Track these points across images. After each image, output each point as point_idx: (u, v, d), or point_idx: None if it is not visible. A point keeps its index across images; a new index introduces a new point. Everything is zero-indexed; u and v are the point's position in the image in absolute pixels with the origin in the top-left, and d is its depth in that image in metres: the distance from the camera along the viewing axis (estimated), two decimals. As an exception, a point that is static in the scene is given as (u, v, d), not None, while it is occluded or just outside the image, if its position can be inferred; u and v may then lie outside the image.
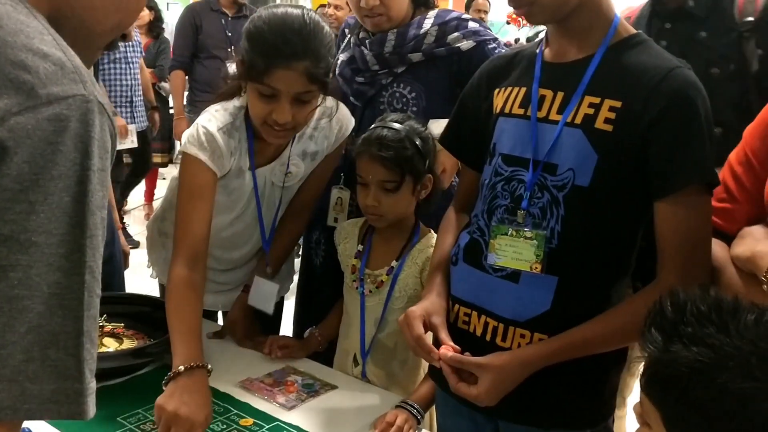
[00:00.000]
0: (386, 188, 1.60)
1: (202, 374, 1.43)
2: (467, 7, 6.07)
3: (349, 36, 1.99)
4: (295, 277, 2.11)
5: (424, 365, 1.61)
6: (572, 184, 1.22)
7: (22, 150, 0.59)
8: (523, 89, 1.31)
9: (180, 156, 1.69)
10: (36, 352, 0.59)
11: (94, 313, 0.64)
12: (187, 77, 4.60)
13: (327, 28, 1.55)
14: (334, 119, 1.75)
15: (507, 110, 1.32)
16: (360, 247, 1.72)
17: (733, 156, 1.24)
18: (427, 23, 1.83)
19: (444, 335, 1.29)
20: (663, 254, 1.20)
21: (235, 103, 1.67)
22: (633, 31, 1.28)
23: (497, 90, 1.37)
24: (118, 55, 4.78)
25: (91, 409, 0.64)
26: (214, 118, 1.64)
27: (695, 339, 0.81)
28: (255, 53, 1.51)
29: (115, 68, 4.80)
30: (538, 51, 1.33)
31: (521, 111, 1.30)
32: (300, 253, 2.23)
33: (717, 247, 1.20)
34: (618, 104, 1.19)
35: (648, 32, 1.79)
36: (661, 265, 1.20)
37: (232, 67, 1.75)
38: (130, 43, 4.82)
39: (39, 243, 0.59)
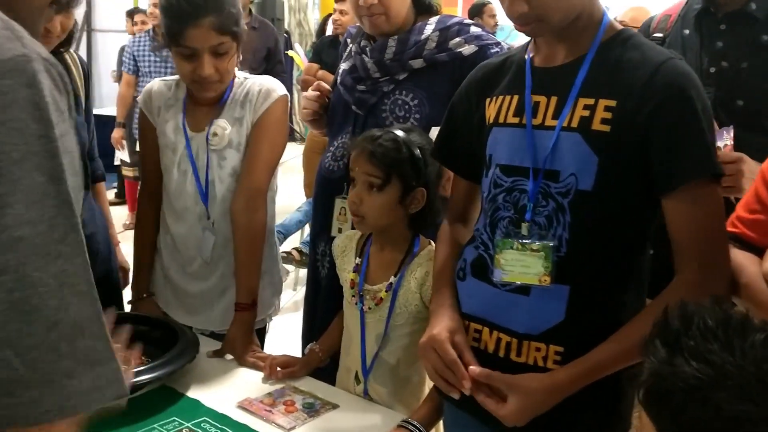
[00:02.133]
0: (371, 184, 1.54)
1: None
2: (476, 13, 6.03)
3: (350, 45, 1.95)
4: (302, 290, 2.06)
5: (429, 383, 1.56)
6: (576, 189, 1.17)
7: None
8: (516, 97, 1.27)
9: None
10: (65, 348, 0.55)
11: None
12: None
13: None
14: (255, 82, 1.85)
15: (501, 120, 1.28)
16: (358, 261, 1.67)
17: (765, 166, 1.19)
18: (428, 29, 1.79)
19: (469, 356, 1.24)
20: (678, 253, 1.16)
21: None
22: (619, 27, 1.24)
23: (488, 99, 1.33)
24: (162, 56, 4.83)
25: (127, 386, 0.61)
26: (168, 77, 1.93)
27: (697, 354, 0.77)
28: (168, 20, 1.70)
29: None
30: (526, 57, 1.29)
31: (516, 120, 1.25)
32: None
33: (747, 261, 1.16)
34: (613, 103, 1.15)
35: (698, 31, 1.74)
36: (678, 264, 1.16)
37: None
38: None
39: (25, 236, 0.53)
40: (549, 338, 1.21)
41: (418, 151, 1.54)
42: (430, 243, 1.62)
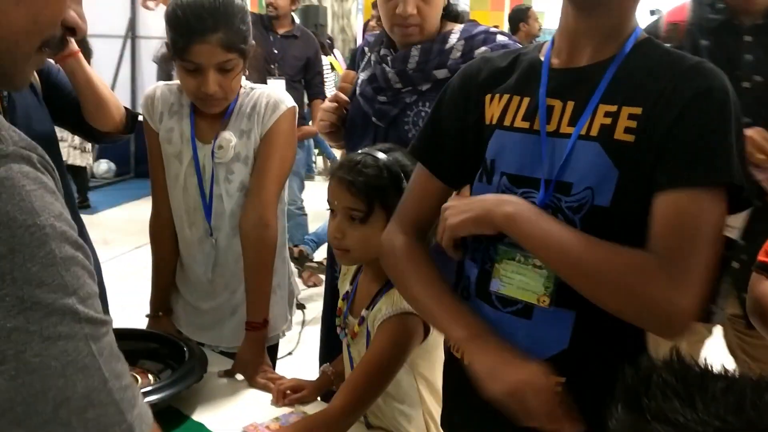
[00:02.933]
0: (352, 217, 1.42)
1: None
2: (520, 17, 5.92)
3: (368, 54, 1.89)
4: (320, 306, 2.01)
5: (428, 407, 1.48)
6: (590, 204, 1.05)
7: None
8: (527, 99, 1.15)
9: None
10: (75, 421, 0.56)
11: (108, 349, 0.60)
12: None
13: (239, 4, 1.68)
14: (263, 94, 1.78)
15: (507, 123, 1.16)
16: (349, 288, 1.58)
17: None
18: (453, 38, 1.71)
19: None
20: (654, 239, 1.02)
21: None
22: (647, 35, 1.13)
23: (489, 96, 1.20)
24: None
25: (145, 422, 0.62)
26: (170, 82, 1.86)
27: (659, 414, 0.69)
28: (174, 33, 1.64)
29: None
30: (543, 57, 1.17)
31: (526, 124, 1.14)
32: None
33: None
34: (638, 111, 1.04)
35: (720, 44, 1.64)
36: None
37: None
38: None
39: (19, 327, 0.53)
40: (551, 366, 1.08)
41: (401, 174, 1.41)
42: None
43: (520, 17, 6.00)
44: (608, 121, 1.05)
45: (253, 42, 1.72)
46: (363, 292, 1.53)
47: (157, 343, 1.75)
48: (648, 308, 1.00)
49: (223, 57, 1.63)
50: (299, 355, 2.01)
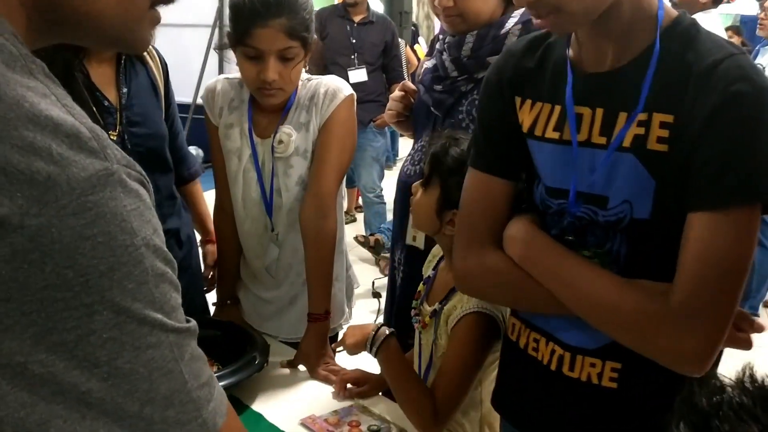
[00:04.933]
0: (421, 182, 1.45)
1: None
2: None
3: (438, 42, 1.83)
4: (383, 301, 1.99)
5: (487, 408, 1.43)
6: (630, 217, 1.01)
7: (57, 257, 0.53)
8: (558, 108, 1.08)
9: None
10: (158, 418, 0.61)
11: (189, 353, 0.64)
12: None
13: None
14: (320, 84, 1.76)
15: (538, 132, 1.11)
16: (431, 273, 1.56)
17: None
18: (511, 22, 1.63)
19: None
20: (682, 269, 0.97)
21: None
22: (675, 13, 1.03)
23: (520, 99, 1.14)
24: None
25: (219, 413, 0.66)
26: (230, 75, 1.85)
27: None
28: (237, 17, 1.63)
29: None
30: (568, 55, 1.09)
31: (556, 135, 1.08)
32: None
33: None
34: (670, 119, 0.97)
35: None
36: (676, 280, 0.97)
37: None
38: None
39: (114, 337, 0.57)
40: (606, 354, 1.08)
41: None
42: None
43: None
44: (641, 130, 0.99)
45: (315, 36, 1.71)
46: (441, 281, 1.51)
47: (221, 331, 1.76)
48: (664, 355, 0.99)
49: (285, 44, 1.61)
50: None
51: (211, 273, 2.08)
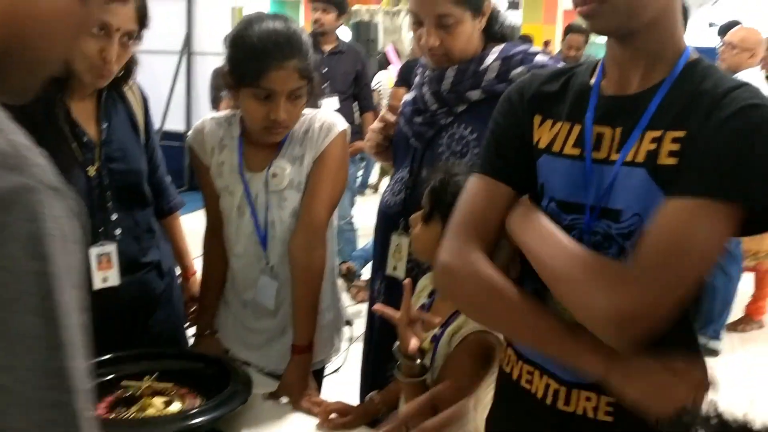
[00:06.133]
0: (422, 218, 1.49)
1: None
2: (575, 31, 5.84)
3: (418, 75, 1.88)
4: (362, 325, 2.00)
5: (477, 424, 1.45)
6: (641, 230, 1.03)
7: None
8: (578, 127, 1.12)
9: None
10: None
11: (84, 415, 0.55)
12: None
13: (306, 35, 1.71)
14: (315, 118, 1.79)
15: (556, 149, 1.14)
16: (426, 301, 1.59)
17: None
18: (490, 58, 1.68)
19: None
20: (644, 240, 1.00)
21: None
22: (696, 56, 1.10)
23: (539, 117, 1.17)
24: None
25: None
26: (215, 113, 1.87)
27: None
28: (247, 59, 1.64)
29: None
30: (593, 82, 1.14)
31: (576, 151, 1.12)
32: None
33: None
34: (681, 134, 1.01)
35: None
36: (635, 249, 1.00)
37: (326, 102, 1.76)
38: None
39: (6, 385, 0.50)
40: (601, 388, 1.08)
41: None
42: None
43: (573, 30, 5.93)
44: (653, 146, 1.03)
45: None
46: (438, 308, 1.53)
47: (203, 363, 1.76)
48: (597, 310, 0.98)
49: (297, 84, 1.65)
50: (345, 372, 2.00)
51: (191, 308, 2.08)
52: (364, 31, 8.65)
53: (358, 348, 2.00)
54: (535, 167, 1.17)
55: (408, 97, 1.85)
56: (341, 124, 1.79)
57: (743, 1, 17.51)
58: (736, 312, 4.37)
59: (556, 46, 12.68)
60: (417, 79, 1.82)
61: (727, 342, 4.08)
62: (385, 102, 5.89)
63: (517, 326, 1.12)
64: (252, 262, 1.83)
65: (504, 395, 1.28)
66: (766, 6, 19.42)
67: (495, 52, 1.69)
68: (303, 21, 19.32)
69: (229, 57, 1.70)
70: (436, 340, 1.48)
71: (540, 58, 1.68)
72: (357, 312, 3.96)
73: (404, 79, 4.84)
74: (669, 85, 1.06)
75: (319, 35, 4.55)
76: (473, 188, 1.20)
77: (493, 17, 1.72)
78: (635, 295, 0.96)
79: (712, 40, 5.63)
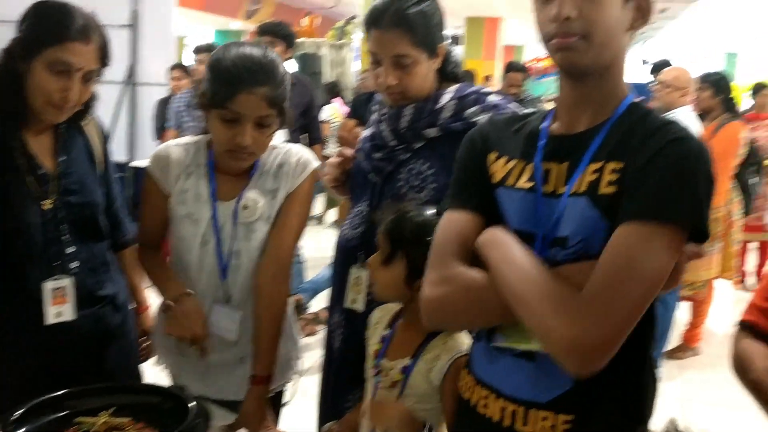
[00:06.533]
0: (381, 261, 1.52)
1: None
2: (515, 69, 6.03)
3: (375, 112, 1.94)
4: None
5: None
6: (586, 256, 1.12)
7: None
8: (530, 165, 1.22)
9: None
10: None
11: None
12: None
13: (282, 66, 1.71)
14: (290, 153, 1.82)
15: (511, 183, 1.24)
16: (386, 332, 1.62)
17: None
18: (446, 97, 1.76)
19: None
20: (598, 269, 1.07)
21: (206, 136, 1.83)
22: (638, 98, 1.22)
23: (494, 155, 1.28)
24: None
25: None
26: (178, 140, 1.86)
27: None
28: (219, 81, 1.65)
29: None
30: (542, 126, 1.25)
31: (529, 184, 1.21)
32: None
33: (757, 354, 1.12)
34: (620, 165, 1.11)
35: None
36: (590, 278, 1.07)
37: (277, 135, 1.78)
38: None
39: None
40: (557, 406, 1.16)
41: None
42: None
43: (513, 69, 6.12)
44: (595, 177, 1.13)
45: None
46: (403, 337, 1.57)
47: (160, 397, 1.75)
48: (552, 336, 1.05)
49: (265, 111, 1.66)
50: (296, 405, 2.02)
51: (145, 343, 2.07)
52: (309, 63, 8.73)
53: (305, 381, 2.02)
54: (493, 196, 1.26)
55: (366, 133, 1.91)
56: (314, 161, 1.83)
57: (670, 40, 18.29)
58: (674, 340, 4.53)
59: (497, 81, 13.02)
60: (374, 116, 1.88)
61: (665, 369, 4.21)
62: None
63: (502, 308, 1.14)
64: (207, 293, 1.82)
65: (463, 422, 1.33)
66: (690, 44, 20.28)
67: (450, 92, 1.77)
68: (246, 52, 19.53)
69: (204, 79, 1.71)
70: (406, 371, 1.51)
71: (492, 98, 1.76)
72: (304, 346, 3.94)
73: (355, 111, 4.92)
74: (611, 124, 1.16)
75: (267, 68, 4.59)
76: (446, 223, 1.28)
77: (447, 59, 1.80)
78: (592, 324, 1.03)
79: (645, 77, 5.88)
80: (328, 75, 9.70)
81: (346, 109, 6.30)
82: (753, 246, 6.30)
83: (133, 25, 7.49)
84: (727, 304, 5.27)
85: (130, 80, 7.62)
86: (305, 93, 4.70)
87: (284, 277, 1.80)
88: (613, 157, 1.13)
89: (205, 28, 19.14)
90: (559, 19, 1.11)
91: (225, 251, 1.79)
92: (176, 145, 1.85)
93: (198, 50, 5.23)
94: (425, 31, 1.70)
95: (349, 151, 1.96)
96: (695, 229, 1.08)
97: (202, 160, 1.81)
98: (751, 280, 6.24)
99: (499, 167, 1.26)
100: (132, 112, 7.66)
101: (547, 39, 1.15)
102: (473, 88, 1.79)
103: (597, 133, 1.17)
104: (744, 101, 7.94)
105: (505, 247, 1.16)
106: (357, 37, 9.90)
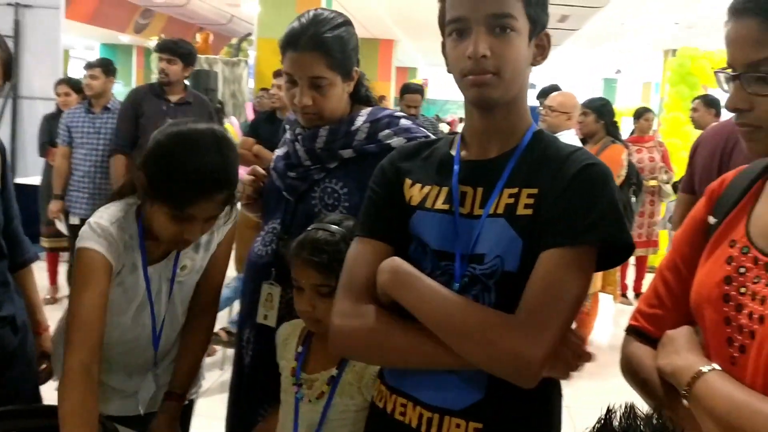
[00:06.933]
0: (321, 292, 1.53)
1: None
2: (408, 91, 6.18)
3: (287, 131, 1.97)
4: (230, 369, 2.04)
5: None
6: (501, 270, 1.22)
7: None
8: (445, 188, 1.31)
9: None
10: None
11: None
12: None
13: (237, 156, 1.67)
14: None
15: (429, 205, 1.32)
16: (300, 349, 1.65)
17: (663, 262, 1.26)
18: (360, 120, 1.82)
19: None
20: (528, 291, 1.18)
21: (127, 200, 1.73)
22: (540, 127, 1.33)
23: (409, 181, 1.36)
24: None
25: None
26: (105, 213, 1.69)
27: None
28: (179, 185, 1.56)
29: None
30: (453, 152, 1.34)
31: (445, 206, 1.30)
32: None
33: (645, 356, 1.20)
34: (534, 191, 1.23)
35: None
36: (522, 300, 1.18)
37: None
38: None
39: None
40: (469, 415, 1.24)
41: None
42: None
43: (406, 90, 6.28)
44: (511, 200, 1.23)
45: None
46: (320, 350, 1.60)
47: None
48: (503, 359, 1.15)
49: (219, 211, 1.67)
50: (194, 424, 2.03)
51: (44, 365, 2.01)
52: (203, 80, 8.61)
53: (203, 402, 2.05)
54: (408, 225, 1.33)
55: (279, 152, 1.94)
56: (239, 203, 1.87)
57: (557, 66, 19.19)
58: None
59: (391, 102, 13.26)
60: (287, 135, 1.92)
61: (555, 379, 4.39)
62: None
63: (407, 355, 1.24)
64: (139, 358, 1.83)
65: (379, 430, 1.38)
66: (576, 69, 21.31)
67: (363, 114, 1.83)
68: (135, 67, 18.98)
69: (153, 170, 1.61)
70: (333, 381, 1.55)
71: (404, 122, 1.83)
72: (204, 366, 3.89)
73: (254, 129, 4.91)
74: (520, 152, 1.28)
75: (165, 85, 4.53)
76: (356, 251, 1.35)
77: (359, 82, 1.87)
78: (533, 341, 1.13)
79: (533, 101, 6.18)
80: (221, 92, 9.59)
81: (236, 123, 6.25)
82: (632, 261, 6.70)
83: (16, 37, 7.18)
84: (610, 317, 5.59)
85: (12, 93, 7.29)
86: (203, 112, 4.66)
87: (215, 307, 1.91)
88: (527, 184, 1.24)
89: (90, 42, 18.47)
90: (475, 56, 1.20)
91: (158, 316, 1.79)
92: (110, 223, 1.67)
93: (90, 66, 5.07)
94: (342, 55, 1.76)
95: (261, 170, 1.99)
96: (622, 244, 1.21)
97: (134, 231, 1.72)
98: (631, 293, 6.63)
99: (416, 192, 1.34)
100: (13, 126, 7.33)
101: (462, 74, 1.24)
102: (386, 112, 1.86)
103: (508, 160, 1.28)
104: (623, 124, 8.41)
105: (416, 286, 1.23)
106: (252, 54, 9.85)
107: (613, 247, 1.21)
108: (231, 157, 1.64)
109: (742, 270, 1.08)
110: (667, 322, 1.20)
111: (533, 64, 1.29)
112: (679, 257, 1.22)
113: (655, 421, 0.87)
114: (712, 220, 1.19)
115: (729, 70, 1.07)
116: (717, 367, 1.06)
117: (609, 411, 0.88)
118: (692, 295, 1.16)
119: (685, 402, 1.05)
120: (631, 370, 1.22)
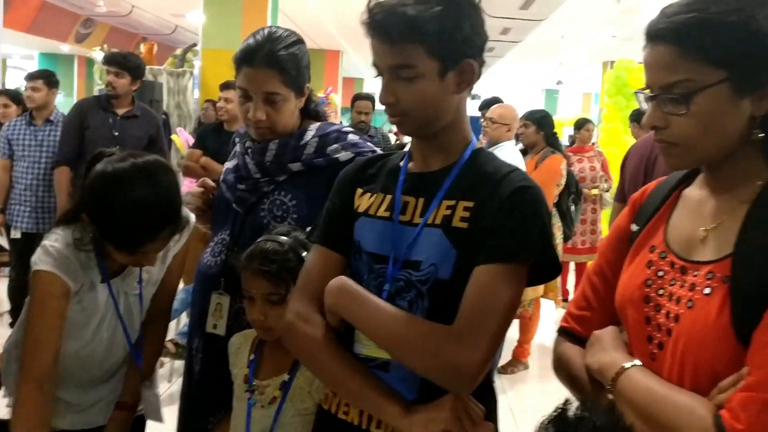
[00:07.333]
0: (271, 301, 1.60)
1: None
2: (359, 98, 6.24)
3: (237, 144, 2.02)
4: (179, 381, 2.07)
5: None
6: (435, 278, 1.31)
7: None
8: (389, 197, 1.40)
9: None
10: None
11: None
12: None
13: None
14: None
15: (372, 212, 1.41)
16: (252, 356, 1.70)
17: (591, 268, 1.35)
18: (309, 135, 1.89)
19: None
20: (464, 304, 1.26)
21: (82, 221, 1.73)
22: (480, 144, 1.42)
23: (360, 190, 1.46)
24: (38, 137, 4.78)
25: None
26: (59, 236, 1.71)
27: None
28: (126, 229, 1.60)
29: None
30: (402, 164, 1.44)
31: (386, 213, 1.39)
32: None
33: (575, 355, 1.28)
34: (471, 204, 1.32)
35: None
36: (459, 312, 1.26)
37: None
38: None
39: None
40: None
41: (304, 252, 1.59)
42: None
43: (357, 99, 6.35)
44: (449, 212, 1.32)
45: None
46: (272, 356, 1.67)
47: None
48: (441, 368, 1.24)
49: (164, 247, 1.74)
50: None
51: None
52: (148, 91, 8.51)
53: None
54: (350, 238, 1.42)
55: (229, 165, 1.99)
56: (192, 217, 1.91)
57: (500, 77, 19.53)
58: (505, 355, 4.88)
59: (339, 111, 13.29)
60: (237, 148, 1.97)
61: (498, 383, 4.51)
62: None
63: (337, 383, 1.37)
64: (111, 362, 1.86)
65: (325, 430, 1.46)
66: (518, 80, 21.71)
67: (312, 129, 1.90)
68: (77, 77, 18.59)
69: (96, 221, 1.64)
70: (285, 386, 1.61)
71: (351, 137, 1.91)
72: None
73: (201, 141, 4.91)
74: (460, 166, 1.37)
75: (113, 98, 4.51)
76: (312, 257, 1.46)
77: (310, 98, 1.95)
78: (471, 351, 1.22)
79: (475, 111, 6.31)
80: (165, 103, 9.49)
81: (186, 136, 6.21)
82: (572, 267, 6.89)
83: (-47, 46, 7.02)
84: (552, 322, 5.74)
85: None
86: (150, 125, 4.65)
87: (167, 320, 1.98)
88: (464, 197, 1.33)
89: (28, 51, 18.01)
90: (384, 103, 1.34)
91: (132, 330, 1.85)
92: (66, 245, 1.70)
93: (31, 77, 5.00)
94: (296, 72, 1.83)
95: (210, 182, 2.03)
96: (548, 261, 1.31)
97: (89, 250, 1.74)
98: (572, 298, 6.80)
99: (364, 200, 1.44)
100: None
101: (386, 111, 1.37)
102: (334, 127, 1.93)
103: (448, 174, 1.37)
104: (565, 134, 8.61)
105: (362, 304, 1.32)
106: (197, 64, 9.77)
107: (541, 266, 1.32)
108: (168, 189, 1.65)
109: (661, 273, 1.18)
110: (594, 322, 1.29)
111: (460, 91, 1.35)
112: (605, 262, 1.32)
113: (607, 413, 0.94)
114: (634, 227, 1.28)
115: (647, 91, 1.15)
116: (638, 363, 1.15)
117: (567, 401, 0.95)
118: (617, 297, 1.25)
119: (610, 396, 1.14)
120: (562, 368, 1.31)
